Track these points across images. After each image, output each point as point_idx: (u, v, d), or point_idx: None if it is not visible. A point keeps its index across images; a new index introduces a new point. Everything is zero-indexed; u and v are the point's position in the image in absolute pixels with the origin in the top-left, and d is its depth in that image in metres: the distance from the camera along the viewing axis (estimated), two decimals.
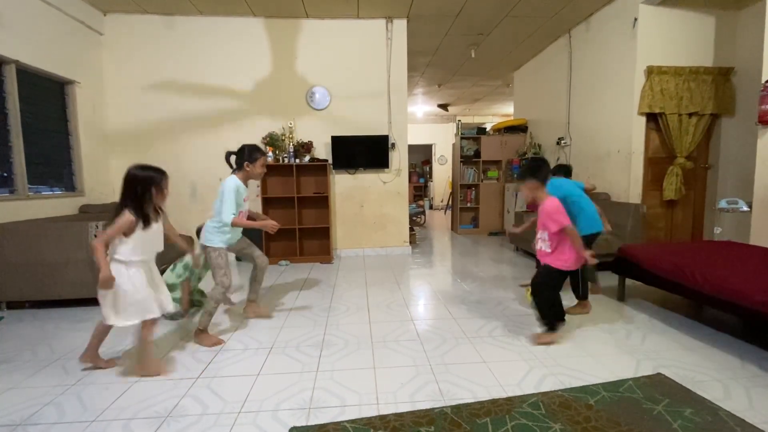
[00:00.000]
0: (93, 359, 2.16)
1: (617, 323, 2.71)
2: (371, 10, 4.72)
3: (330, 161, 4.97)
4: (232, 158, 2.72)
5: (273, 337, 2.57)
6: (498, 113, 11.35)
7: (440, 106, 10.06)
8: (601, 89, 4.79)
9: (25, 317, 3.05)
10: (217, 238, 2.58)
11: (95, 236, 2.05)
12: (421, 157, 13.24)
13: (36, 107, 3.79)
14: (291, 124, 4.91)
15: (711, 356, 2.21)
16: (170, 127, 4.83)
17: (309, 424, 1.64)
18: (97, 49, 4.57)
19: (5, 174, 3.48)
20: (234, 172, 2.69)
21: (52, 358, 2.32)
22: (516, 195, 6.52)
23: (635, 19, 4.16)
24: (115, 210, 1.99)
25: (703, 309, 2.96)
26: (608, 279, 3.77)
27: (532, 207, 3.41)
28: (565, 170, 3.23)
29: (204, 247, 2.62)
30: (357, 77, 5.01)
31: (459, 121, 7.68)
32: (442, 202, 12.27)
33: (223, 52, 4.81)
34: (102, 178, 4.63)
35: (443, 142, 12.18)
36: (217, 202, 2.60)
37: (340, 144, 4.97)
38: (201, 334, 2.48)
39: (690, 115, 4.26)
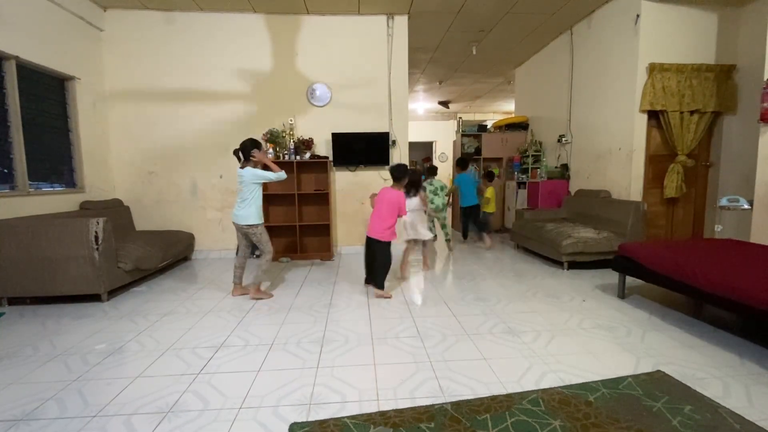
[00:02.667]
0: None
1: (617, 320, 2.72)
2: (372, 6, 4.70)
3: (330, 158, 4.97)
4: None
5: (273, 334, 2.58)
6: (499, 110, 11.32)
7: (441, 103, 10.03)
8: (602, 86, 4.78)
9: (26, 313, 3.06)
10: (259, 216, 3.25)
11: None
12: (422, 155, 13.20)
13: (36, 103, 3.79)
14: (291, 120, 4.90)
15: (710, 354, 2.21)
16: (171, 124, 4.82)
17: (309, 419, 1.65)
18: (97, 44, 4.56)
19: (6, 170, 3.48)
20: (244, 163, 3.23)
21: (53, 354, 2.33)
22: (517, 192, 6.52)
23: (637, 16, 4.14)
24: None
25: (703, 307, 2.97)
26: (608, 276, 3.78)
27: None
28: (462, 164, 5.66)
29: (250, 227, 3.21)
30: (358, 74, 4.99)
31: (460, 118, 7.68)
32: None
33: (224, 49, 4.79)
34: (103, 174, 4.63)
35: (444, 139, 12.15)
36: (245, 190, 3.19)
37: (340, 141, 4.96)
38: (256, 290, 3.30)
39: (692, 112, 4.24)
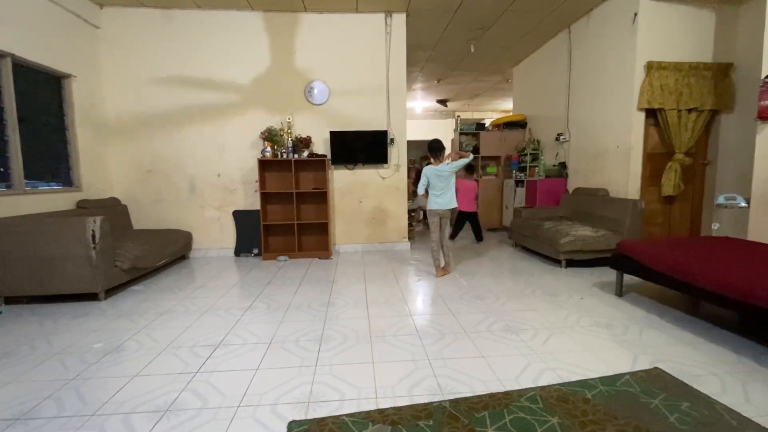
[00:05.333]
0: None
1: (615, 318, 2.73)
2: (370, 3, 4.69)
3: (329, 156, 4.96)
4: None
5: (272, 332, 2.57)
6: (497, 109, 11.32)
7: (439, 101, 10.02)
8: (600, 85, 4.78)
9: (24, 312, 3.04)
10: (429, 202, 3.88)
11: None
12: (420, 153, 13.19)
13: (32, 101, 3.77)
14: (289, 118, 4.89)
15: (708, 351, 2.22)
16: (168, 122, 4.81)
17: (308, 417, 1.65)
18: (93, 42, 4.53)
19: (1, 169, 3.46)
20: (436, 161, 3.83)
21: (50, 353, 2.32)
22: (515, 191, 6.53)
23: (635, 14, 4.15)
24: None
25: (700, 304, 2.98)
26: (606, 274, 3.79)
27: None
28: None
29: (454, 209, 3.89)
30: (356, 72, 4.98)
31: (458, 116, 7.67)
32: None
33: (221, 46, 4.77)
34: (99, 173, 4.61)
35: (442, 137, 12.12)
36: (445, 183, 3.80)
37: (338, 139, 4.95)
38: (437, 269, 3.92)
39: (689, 110, 4.25)
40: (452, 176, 3.78)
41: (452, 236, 5.76)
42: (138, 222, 4.86)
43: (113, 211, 4.42)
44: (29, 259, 3.10)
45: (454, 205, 3.82)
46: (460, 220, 5.85)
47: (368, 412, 1.66)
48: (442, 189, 3.76)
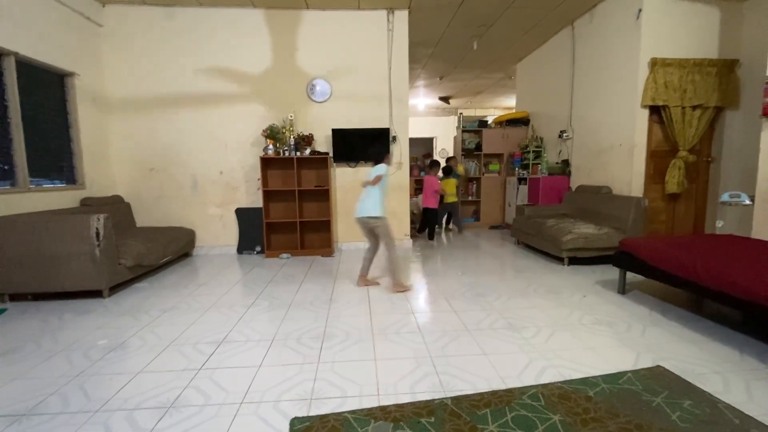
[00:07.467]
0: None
1: (617, 316, 2.72)
2: (372, 0, 4.67)
3: (331, 154, 4.96)
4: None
5: (274, 329, 2.58)
6: (500, 106, 11.27)
7: (442, 98, 9.99)
8: (604, 81, 4.75)
9: (29, 309, 3.07)
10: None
11: None
12: (422, 151, 13.16)
13: (36, 99, 3.78)
14: (291, 116, 4.88)
15: (710, 349, 2.21)
16: (170, 120, 4.81)
17: (310, 414, 1.66)
18: (96, 40, 4.54)
19: (6, 167, 3.48)
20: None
21: (55, 350, 2.34)
22: (518, 188, 6.51)
23: (639, 10, 4.11)
24: None
25: (703, 302, 2.97)
26: (609, 272, 3.78)
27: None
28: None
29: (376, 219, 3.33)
30: (358, 69, 4.97)
31: (461, 114, 7.64)
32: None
33: (223, 44, 4.77)
34: (103, 171, 4.62)
35: (445, 135, 12.10)
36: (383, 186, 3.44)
37: (340, 137, 4.95)
38: (393, 283, 3.41)
39: (694, 107, 4.22)
40: (375, 185, 3.31)
41: (420, 230, 6.10)
42: (141, 219, 4.88)
43: (116, 208, 4.44)
44: (34, 256, 3.12)
45: (365, 214, 3.32)
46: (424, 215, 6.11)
47: (370, 409, 1.67)
48: (364, 194, 3.37)
